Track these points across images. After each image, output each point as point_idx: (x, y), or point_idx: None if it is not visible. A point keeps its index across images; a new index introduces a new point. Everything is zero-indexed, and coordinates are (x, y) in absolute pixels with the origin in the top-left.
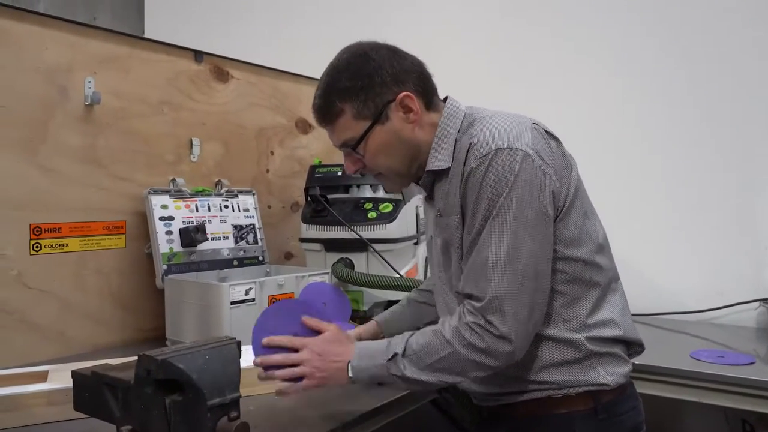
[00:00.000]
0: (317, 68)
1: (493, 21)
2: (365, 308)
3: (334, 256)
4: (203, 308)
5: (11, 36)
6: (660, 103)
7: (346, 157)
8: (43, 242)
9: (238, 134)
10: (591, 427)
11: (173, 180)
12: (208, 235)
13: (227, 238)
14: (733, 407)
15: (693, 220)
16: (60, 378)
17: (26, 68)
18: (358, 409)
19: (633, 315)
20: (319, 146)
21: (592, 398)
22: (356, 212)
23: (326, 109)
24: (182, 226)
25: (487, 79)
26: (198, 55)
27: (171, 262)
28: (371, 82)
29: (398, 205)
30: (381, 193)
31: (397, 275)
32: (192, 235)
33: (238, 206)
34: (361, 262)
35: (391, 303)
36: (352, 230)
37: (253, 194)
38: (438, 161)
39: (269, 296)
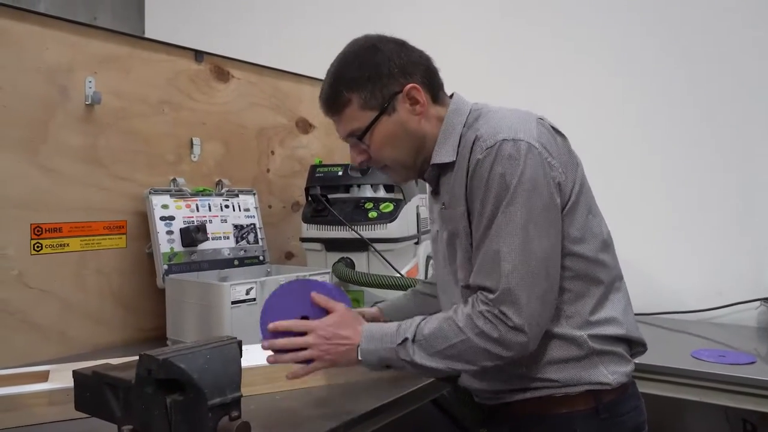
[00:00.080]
0: (318, 68)
1: (493, 21)
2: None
3: (334, 256)
4: (204, 308)
5: (12, 36)
6: (660, 103)
7: (351, 148)
8: (44, 242)
9: (238, 134)
10: (592, 427)
11: (174, 180)
12: (208, 235)
13: (228, 237)
14: (734, 407)
15: (693, 219)
16: (61, 378)
17: (27, 68)
18: (359, 408)
19: (634, 314)
20: (320, 146)
21: (594, 397)
22: (357, 212)
23: (333, 99)
24: (183, 225)
25: (487, 79)
26: (198, 55)
27: (172, 262)
28: (379, 73)
29: (399, 204)
30: (382, 193)
31: (398, 275)
32: (193, 234)
33: (239, 206)
34: (361, 261)
35: None
36: (352, 230)
37: (254, 194)
38: (443, 155)
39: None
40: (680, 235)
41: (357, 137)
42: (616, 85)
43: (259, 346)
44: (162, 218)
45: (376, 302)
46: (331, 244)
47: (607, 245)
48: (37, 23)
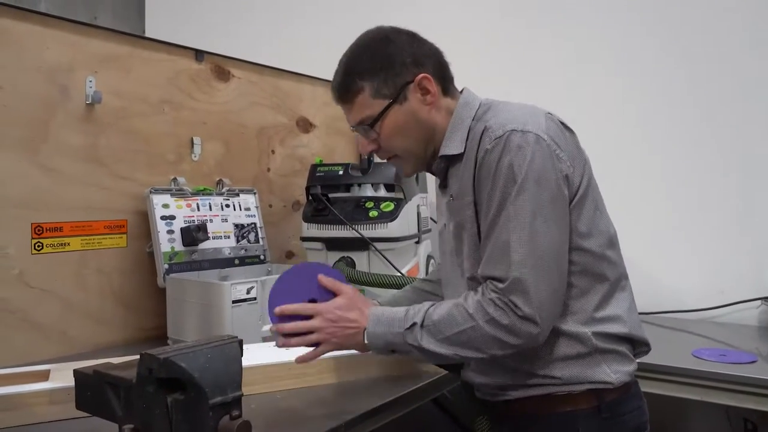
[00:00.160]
0: (318, 67)
1: (493, 21)
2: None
3: (335, 255)
4: (205, 307)
5: (12, 35)
6: (660, 103)
7: (361, 137)
8: (45, 241)
9: (239, 133)
10: (594, 426)
11: (174, 179)
12: (209, 234)
13: (228, 237)
14: (735, 406)
15: (693, 219)
16: (62, 377)
17: (27, 68)
18: (360, 407)
19: (638, 314)
20: (320, 145)
21: (596, 396)
22: (357, 211)
23: (345, 87)
24: (183, 225)
25: (487, 79)
26: (199, 55)
27: (172, 261)
28: (391, 62)
29: (399, 203)
30: (382, 192)
31: (399, 274)
32: (193, 234)
33: (240, 205)
34: (362, 261)
35: None
36: (353, 229)
37: (255, 193)
38: (451, 147)
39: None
40: (681, 234)
41: (368, 125)
42: (616, 85)
43: (259, 345)
44: (163, 217)
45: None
46: (331, 244)
47: (613, 243)
48: (38, 23)
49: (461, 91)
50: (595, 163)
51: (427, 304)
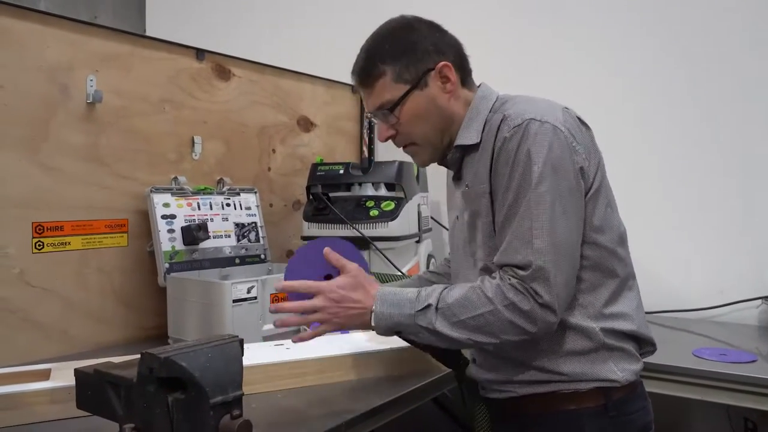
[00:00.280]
0: (318, 67)
1: (493, 21)
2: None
3: None
4: (205, 306)
5: (13, 34)
6: (660, 103)
7: (379, 124)
8: (46, 241)
9: (239, 132)
10: (601, 425)
11: (175, 178)
12: (210, 234)
13: (229, 236)
14: (736, 405)
15: (694, 219)
16: (63, 376)
17: (28, 67)
18: (360, 407)
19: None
20: (321, 144)
21: (603, 395)
22: (358, 210)
23: (367, 71)
24: (184, 224)
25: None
26: (199, 53)
27: (173, 261)
28: (413, 48)
29: (400, 203)
30: (383, 191)
31: (399, 273)
32: (194, 233)
33: (240, 204)
34: None
35: None
36: (354, 228)
37: (255, 192)
38: (467, 137)
39: (271, 294)
40: (681, 234)
41: (388, 110)
42: (615, 85)
43: (259, 344)
44: (163, 217)
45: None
46: None
47: (623, 241)
48: (38, 22)
49: (479, 86)
50: None
51: (439, 286)
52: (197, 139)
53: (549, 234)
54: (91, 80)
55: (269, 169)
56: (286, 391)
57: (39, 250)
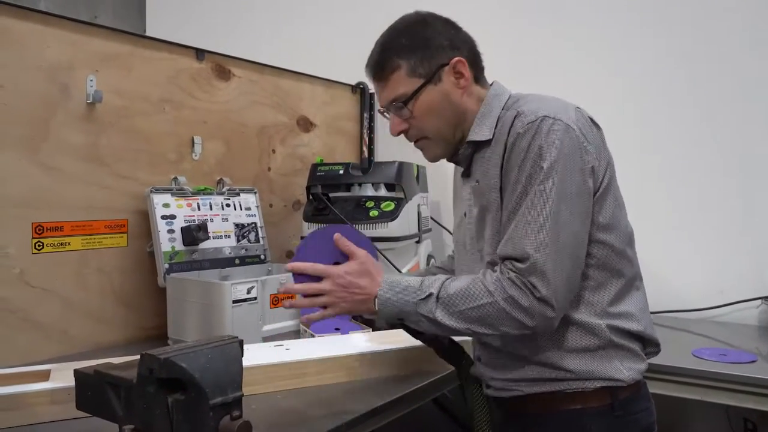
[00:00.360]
0: (318, 67)
1: (493, 21)
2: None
3: None
4: (205, 307)
5: (13, 34)
6: (660, 103)
7: (392, 117)
8: (45, 241)
9: (239, 132)
10: (606, 424)
11: (175, 178)
12: (209, 234)
13: (229, 236)
14: (735, 405)
15: (694, 219)
16: (62, 377)
17: (28, 66)
18: (360, 407)
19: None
20: (321, 144)
21: (609, 394)
22: (358, 210)
23: (382, 64)
24: (184, 224)
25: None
26: (199, 54)
27: (173, 261)
28: (428, 43)
29: (400, 203)
30: (383, 192)
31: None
32: (194, 233)
33: (240, 205)
34: None
35: None
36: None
37: (255, 193)
38: (479, 133)
39: (271, 295)
40: (681, 234)
41: (401, 103)
42: (615, 85)
43: (259, 345)
44: (163, 217)
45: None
46: None
47: (631, 241)
48: (39, 21)
49: (491, 84)
50: None
51: (443, 276)
52: (197, 140)
53: (552, 229)
54: (91, 80)
55: (269, 169)
56: (285, 391)
57: (39, 250)
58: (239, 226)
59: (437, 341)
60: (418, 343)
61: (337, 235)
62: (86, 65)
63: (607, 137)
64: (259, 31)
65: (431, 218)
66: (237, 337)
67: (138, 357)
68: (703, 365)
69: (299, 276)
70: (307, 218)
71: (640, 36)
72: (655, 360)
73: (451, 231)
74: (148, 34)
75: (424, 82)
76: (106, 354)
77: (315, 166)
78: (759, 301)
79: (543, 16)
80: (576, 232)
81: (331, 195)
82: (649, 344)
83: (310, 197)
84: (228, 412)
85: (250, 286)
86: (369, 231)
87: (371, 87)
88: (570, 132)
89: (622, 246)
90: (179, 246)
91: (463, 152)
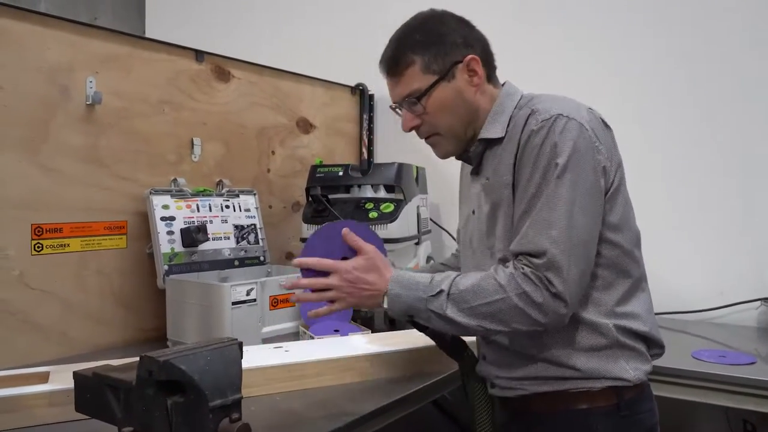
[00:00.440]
0: (318, 68)
1: (493, 21)
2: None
3: None
4: (204, 308)
5: (12, 35)
6: (660, 102)
7: (404, 113)
8: (45, 242)
9: (239, 134)
10: (613, 424)
11: (174, 180)
12: (209, 235)
13: (228, 238)
14: (735, 407)
15: (694, 219)
16: (61, 379)
17: (28, 68)
18: (359, 410)
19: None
20: (320, 146)
21: (615, 394)
22: (357, 212)
23: (397, 59)
24: (183, 226)
25: None
26: (199, 55)
27: (172, 263)
28: (443, 40)
29: (399, 205)
30: (382, 193)
31: None
32: (193, 235)
33: (239, 206)
34: None
35: None
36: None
37: (254, 194)
38: (492, 131)
39: (270, 296)
40: (681, 235)
41: (415, 98)
42: (615, 85)
43: (259, 347)
44: (162, 218)
45: (372, 314)
46: None
47: (638, 242)
48: (38, 23)
49: (503, 84)
50: None
51: (453, 273)
52: (196, 141)
53: (566, 227)
54: (91, 81)
55: (268, 170)
56: (285, 393)
57: (38, 251)
58: (239, 228)
59: (440, 333)
60: (417, 344)
61: (345, 231)
62: (86, 66)
63: None
64: (259, 32)
65: (431, 219)
66: (236, 339)
67: (137, 359)
68: (703, 367)
69: (307, 271)
70: (307, 220)
71: (640, 36)
72: (655, 362)
73: (451, 232)
74: (147, 35)
75: (438, 79)
76: (105, 356)
77: (314, 168)
78: (758, 303)
79: (543, 16)
80: (588, 230)
81: (330, 196)
82: (654, 345)
83: (310, 199)
84: (227, 414)
85: (249, 287)
86: None
87: (371, 88)
88: (583, 131)
89: (630, 246)
90: (178, 247)
91: (474, 150)
